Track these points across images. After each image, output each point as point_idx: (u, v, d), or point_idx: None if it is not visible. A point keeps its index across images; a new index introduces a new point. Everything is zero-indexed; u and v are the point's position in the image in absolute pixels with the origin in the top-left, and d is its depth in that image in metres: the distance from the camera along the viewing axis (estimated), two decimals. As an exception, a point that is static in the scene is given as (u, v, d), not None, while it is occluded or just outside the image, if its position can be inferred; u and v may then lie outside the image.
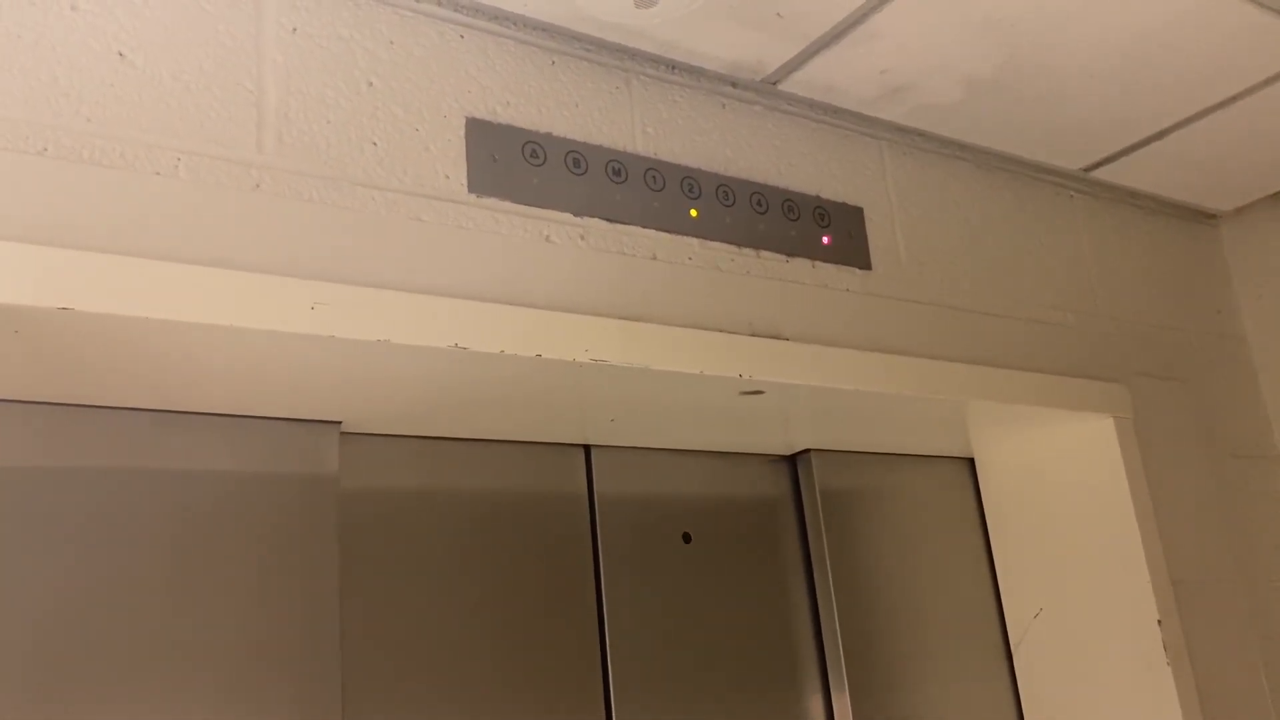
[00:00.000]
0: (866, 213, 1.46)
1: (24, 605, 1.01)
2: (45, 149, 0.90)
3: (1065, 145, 1.64)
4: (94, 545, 1.06)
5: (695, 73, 1.35)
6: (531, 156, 1.18)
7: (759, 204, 1.35)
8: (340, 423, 1.23)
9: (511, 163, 1.16)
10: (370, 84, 1.09)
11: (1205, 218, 1.99)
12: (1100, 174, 1.75)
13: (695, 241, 1.28)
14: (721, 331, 1.24)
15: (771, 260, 1.34)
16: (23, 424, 1.05)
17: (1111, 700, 1.54)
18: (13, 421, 1.05)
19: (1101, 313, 1.72)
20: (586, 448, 1.46)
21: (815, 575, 1.60)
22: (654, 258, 1.24)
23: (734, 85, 1.39)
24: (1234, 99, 1.53)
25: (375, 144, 1.08)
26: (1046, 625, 1.64)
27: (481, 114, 1.16)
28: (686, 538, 1.50)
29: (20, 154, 0.89)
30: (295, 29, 1.06)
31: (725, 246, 1.30)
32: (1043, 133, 1.59)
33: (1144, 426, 1.64)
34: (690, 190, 1.29)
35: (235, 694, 1.09)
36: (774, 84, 1.39)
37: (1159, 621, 1.50)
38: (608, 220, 1.21)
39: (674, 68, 1.34)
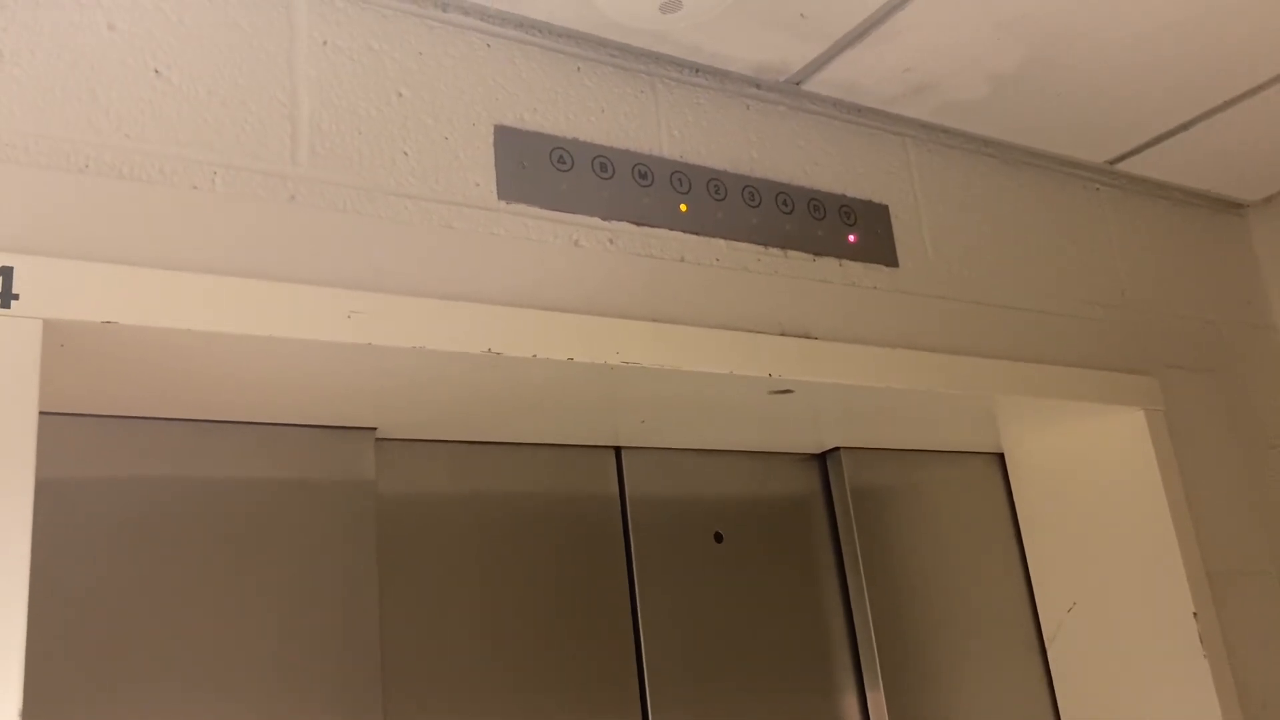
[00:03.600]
0: (892, 210, 1.47)
1: (71, 613, 1.03)
2: (86, 165, 0.92)
3: (1090, 138, 1.64)
4: (138, 554, 1.08)
5: (719, 75, 1.36)
6: (559, 162, 1.19)
7: (785, 204, 1.35)
8: (376, 429, 1.25)
9: (540, 169, 1.18)
10: (400, 94, 1.11)
11: (1233, 208, 1.98)
12: (1126, 166, 1.74)
13: (723, 243, 1.28)
14: (750, 331, 1.24)
15: (799, 260, 1.34)
16: (68, 436, 1.07)
17: (1148, 694, 1.54)
18: (59, 434, 1.07)
19: (1130, 305, 1.71)
20: (617, 449, 1.47)
21: (847, 573, 1.60)
22: (682, 260, 1.24)
23: (758, 86, 1.40)
24: (1260, 89, 1.53)
25: (406, 153, 1.09)
26: (1080, 620, 1.63)
27: (509, 121, 1.18)
28: (718, 537, 1.51)
29: (63, 171, 0.91)
30: (326, 42, 1.08)
31: (752, 247, 1.31)
32: (1067, 126, 1.59)
33: (1176, 419, 1.64)
34: (716, 192, 1.30)
35: (278, 698, 1.11)
36: (798, 84, 1.40)
37: (1194, 614, 1.49)
38: (636, 223, 1.22)
39: (698, 70, 1.35)
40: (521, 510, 1.36)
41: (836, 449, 1.63)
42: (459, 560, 1.30)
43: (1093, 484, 1.62)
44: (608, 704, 1.34)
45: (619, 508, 1.44)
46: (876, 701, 1.53)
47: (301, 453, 1.19)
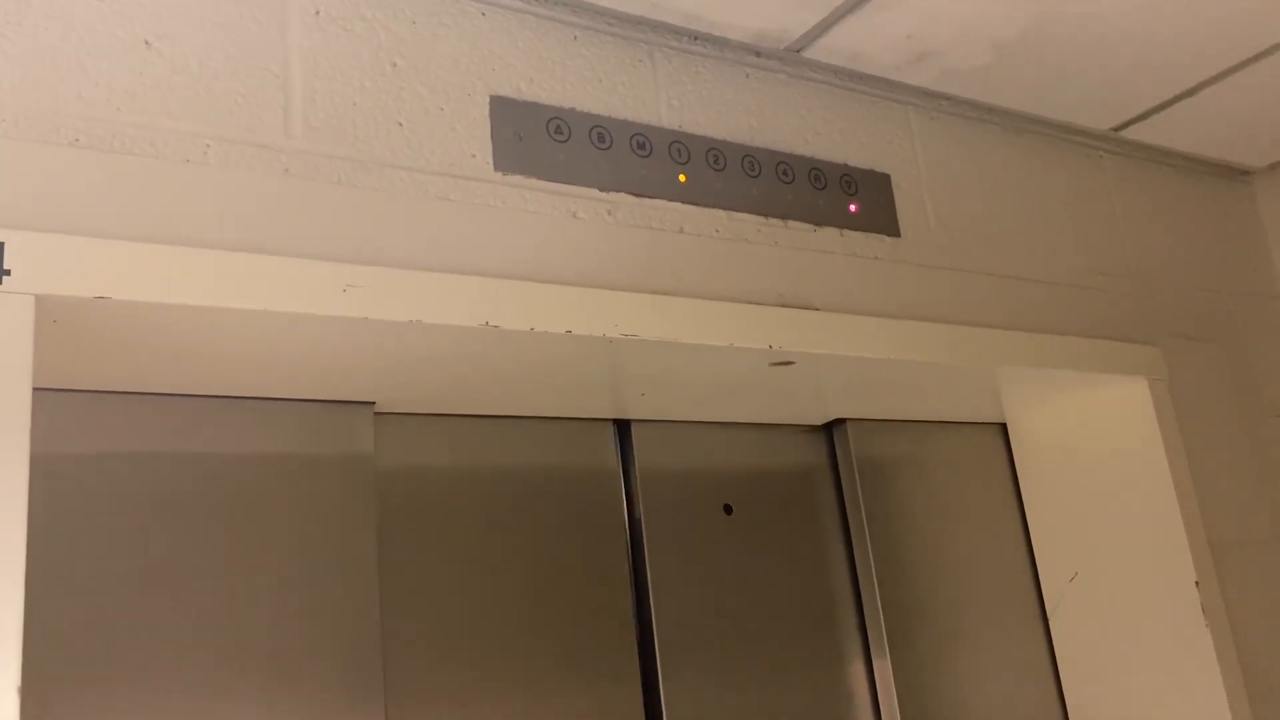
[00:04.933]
0: (894, 179, 1.45)
1: (70, 588, 1.03)
2: (77, 139, 0.91)
3: (1094, 105, 1.62)
4: (133, 530, 1.08)
5: (719, 43, 1.34)
6: (556, 133, 1.18)
7: (785, 174, 1.34)
8: (374, 403, 1.24)
9: (536, 140, 1.16)
10: (395, 65, 1.10)
11: (1238, 174, 1.96)
12: (1130, 133, 1.72)
13: (722, 213, 1.27)
14: (750, 303, 1.23)
15: (799, 230, 1.33)
16: (62, 412, 1.07)
17: (1149, 663, 1.54)
18: (53, 410, 1.06)
19: (1134, 274, 1.70)
20: (618, 422, 1.46)
21: (854, 543, 1.60)
22: (681, 231, 1.23)
23: (757, 54, 1.38)
24: (1265, 54, 1.51)
25: (401, 125, 1.08)
26: (1082, 589, 1.63)
27: (506, 91, 1.16)
28: (728, 509, 1.51)
29: (53, 145, 0.90)
30: (318, 11, 1.06)
31: (752, 217, 1.30)
32: (1071, 93, 1.57)
33: (1179, 388, 1.63)
34: (716, 162, 1.28)
35: (278, 672, 1.11)
36: (798, 52, 1.38)
37: (1196, 583, 1.49)
38: (634, 194, 1.21)
39: (697, 39, 1.33)
40: (521, 484, 1.36)
41: (841, 420, 1.63)
42: (459, 534, 1.29)
43: (1095, 454, 1.62)
44: (615, 677, 1.34)
45: (621, 480, 1.44)
46: (883, 670, 1.54)
47: (299, 428, 1.19)
